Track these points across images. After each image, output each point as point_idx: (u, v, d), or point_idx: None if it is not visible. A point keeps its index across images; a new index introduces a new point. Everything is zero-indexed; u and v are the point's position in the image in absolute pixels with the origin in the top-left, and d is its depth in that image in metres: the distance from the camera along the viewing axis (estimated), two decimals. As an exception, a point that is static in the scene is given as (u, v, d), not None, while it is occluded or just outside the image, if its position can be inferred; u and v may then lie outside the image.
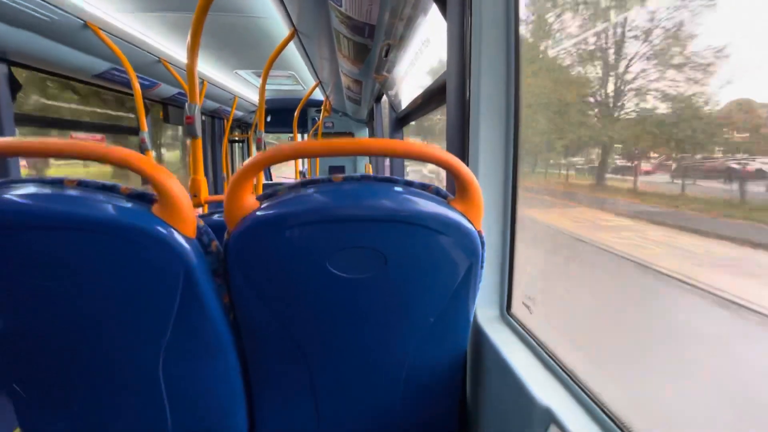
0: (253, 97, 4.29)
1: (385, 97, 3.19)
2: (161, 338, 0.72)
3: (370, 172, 3.91)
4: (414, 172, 3.72)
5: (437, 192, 0.74)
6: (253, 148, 5.34)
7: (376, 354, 0.81)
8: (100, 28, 1.86)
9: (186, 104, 1.48)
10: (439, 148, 0.70)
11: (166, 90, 3.02)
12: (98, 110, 2.93)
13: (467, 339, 0.85)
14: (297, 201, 0.68)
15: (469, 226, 0.70)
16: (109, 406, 0.80)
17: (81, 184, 0.67)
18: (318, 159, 4.64)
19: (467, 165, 0.78)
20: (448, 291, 0.75)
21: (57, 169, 2.65)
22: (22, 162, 2.17)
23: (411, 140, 2.99)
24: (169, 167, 3.91)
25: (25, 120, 2.26)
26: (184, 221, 0.67)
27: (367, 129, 4.94)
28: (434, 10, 1.17)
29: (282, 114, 4.64)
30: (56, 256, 0.64)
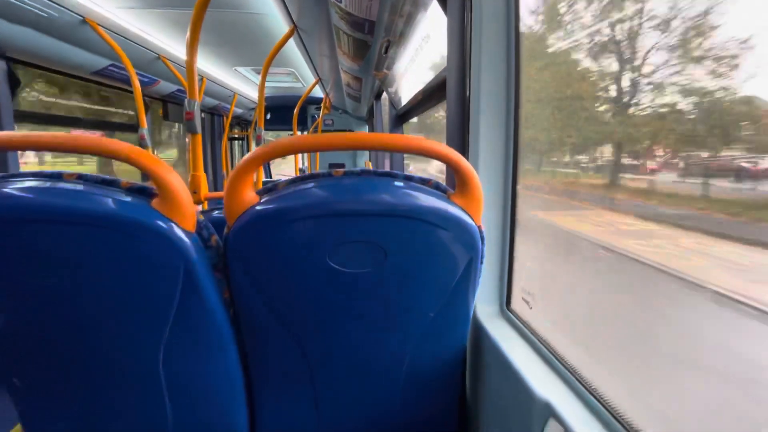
0: (253, 94, 4.28)
1: (385, 94, 3.18)
2: (161, 333, 0.72)
3: None
4: (420, 171, 3.69)
5: (437, 186, 0.74)
6: (253, 145, 5.33)
7: (375, 349, 0.81)
8: (99, 25, 1.85)
9: (185, 100, 1.48)
10: (438, 143, 0.70)
11: (166, 87, 3.02)
12: (90, 106, 2.92)
13: (467, 334, 0.85)
14: (297, 195, 0.68)
15: (469, 220, 0.71)
16: (109, 401, 0.80)
17: (81, 178, 0.67)
18: (318, 156, 4.64)
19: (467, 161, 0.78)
20: (448, 286, 0.75)
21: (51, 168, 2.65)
22: (22, 161, 2.17)
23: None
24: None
25: (25, 117, 2.25)
26: (184, 215, 0.67)
27: (366, 126, 4.93)
28: (434, 5, 1.17)
29: (281, 111, 4.63)
30: (56, 250, 0.64)
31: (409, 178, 0.73)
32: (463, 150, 0.94)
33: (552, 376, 0.70)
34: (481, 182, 0.72)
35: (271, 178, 5.38)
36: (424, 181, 0.74)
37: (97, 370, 0.77)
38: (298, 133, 4.92)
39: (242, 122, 5.63)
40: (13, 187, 0.63)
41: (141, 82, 2.54)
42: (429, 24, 1.40)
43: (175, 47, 2.45)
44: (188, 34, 1.42)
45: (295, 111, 3.85)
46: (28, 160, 2.49)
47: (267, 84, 3.29)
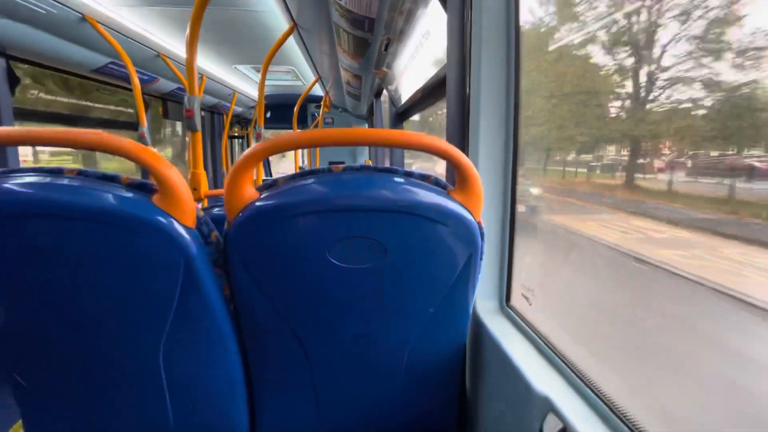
0: (253, 92, 4.27)
1: (384, 92, 3.18)
2: (162, 329, 0.72)
3: None
4: (425, 171, 3.63)
5: (437, 183, 0.74)
6: (253, 144, 5.33)
7: (375, 345, 0.82)
8: (99, 22, 1.85)
9: (185, 98, 1.48)
10: (438, 138, 0.70)
11: (166, 85, 3.01)
12: (90, 104, 2.92)
13: (467, 330, 0.85)
14: (297, 191, 0.68)
15: (469, 216, 0.71)
16: (110, 398, 0.80)
17: (81, 173, 0.67)
18: (318, 155, 4.64)
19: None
20: (447, 282, 0.75)
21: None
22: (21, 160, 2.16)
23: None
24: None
25: (24, 115, 2.25)
26: (184, 211, 0.67)
27: (366, 125, 4.93)
28: (434, 2, 1.17)
29: (281, 110, 4.63)
30: (56, 246, 0.64)
31: (408, 174, 0.73)
32: (463, 146, 0.94)
33: (551, 372, 0.70)
34: (481, 179, 0.72)
35: (271, 176, 5.38)
36: (424, 177, 0.74)
37: (97, 367, 0.77)
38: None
39: (242, 121, 5.63)
40: (14, 183, 0.63)
41: (141, 79, 2.53)
42: (429, 21, 1.39)
43: (174, 45, 2.45)
44: (188, 31, 1.42)
45: (295, 109, 3.85)
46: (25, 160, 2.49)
47: (267, 82, 3.29)
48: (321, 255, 0.70)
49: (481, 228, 0.73)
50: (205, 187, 1.58)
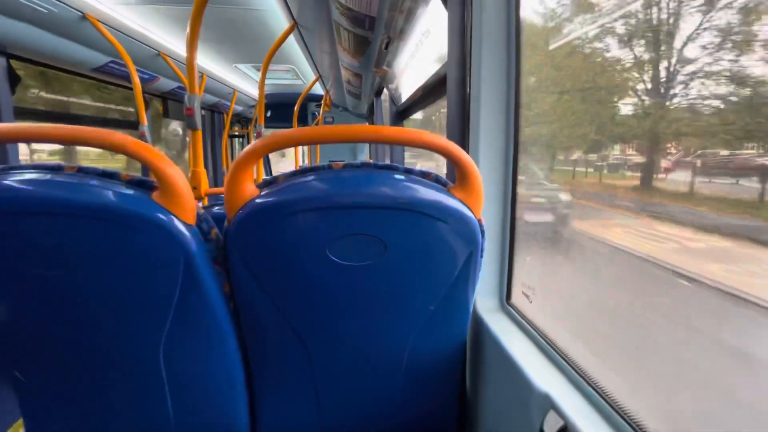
0: (253, 91, 4.27)
1: (385, 91, 3.18)
2: (162, 327, 0.72)
3: None
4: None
5: (437, 180, 0.74)
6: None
7: (376, 342, 0.82)
8: (99, 21, 1.85)
9: (186, 96, 1.48)
10: (439, 136, 0.70)
11: (166, 84, 3.01)
12: (90, 103, 2.92)
13: (467, 328, 0.85)
14: (297, 188, 0.68)
15: (469, 213, 0.71)
16: (111, 396, 0.81)
17: (81, 170, 0.67)
18: (318, 154, 4.64)
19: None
20: (448, 279, 0.75)
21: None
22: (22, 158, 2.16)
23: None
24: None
25: (25, 113, 2.25)
26: (184, 208, 0.67)
27: (367, 123, 4.93)
28: (435, 0, 1.17)
29: (282, 109, 4.63)
30: (56, 243, 0.64)
31: (409, 171, 0.73)
32: (464, 144, 0.94)
33: (552, 369, 0.70)
34: (481, 176, 0.72)
35: (271, 175, 5.37)
36: (425, 174, 0.74)
37: (97, 365, 0.77)
38: None
39: (242, 120, 5.63)
40: (14, 180, 0.63)
41: (141, 78, 2.53)
42: (429, 19, 1.39)
43: (175, 44, 2.44)
44: (188, 30, 1.42)
45: (295, 108, 3.85)
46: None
47: (267, 81, 3.29)
48: (321, 252, 0.70)
49: (481, 225, 0.73)
50: (205, 186, 1.58)
